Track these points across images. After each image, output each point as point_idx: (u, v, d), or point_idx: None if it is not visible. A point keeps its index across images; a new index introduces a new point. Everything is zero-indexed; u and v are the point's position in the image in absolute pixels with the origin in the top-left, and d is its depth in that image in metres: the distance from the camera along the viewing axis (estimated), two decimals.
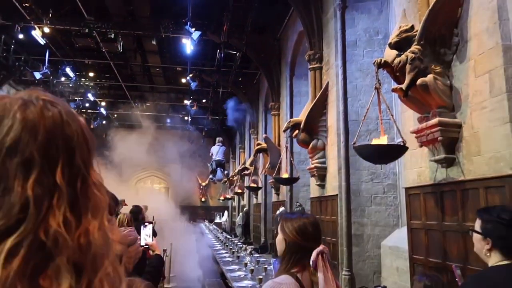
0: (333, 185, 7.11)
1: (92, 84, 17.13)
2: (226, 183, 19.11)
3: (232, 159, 22.82)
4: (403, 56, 4.03)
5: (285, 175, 9.49)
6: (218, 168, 14.32)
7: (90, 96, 17.36)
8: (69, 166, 0.56)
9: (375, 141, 4.22)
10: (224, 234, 13.89)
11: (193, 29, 10.01)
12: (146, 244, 2.84)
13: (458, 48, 3.93)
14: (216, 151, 14.30)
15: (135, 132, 21.32)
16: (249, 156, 16.11)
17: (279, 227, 1.80)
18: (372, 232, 6.64)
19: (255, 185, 13.44)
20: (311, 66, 8.18)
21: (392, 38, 4.21)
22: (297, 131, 7.77)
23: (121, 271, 0.60)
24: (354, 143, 4.35)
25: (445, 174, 4.00)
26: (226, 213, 22.36)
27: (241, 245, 9.10)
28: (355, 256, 6.55)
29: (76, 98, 17.75)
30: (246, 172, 15.00)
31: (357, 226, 6.64)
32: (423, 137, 4.04)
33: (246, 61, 14.00)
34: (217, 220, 22.39)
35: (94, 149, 0.62)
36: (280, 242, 1.77)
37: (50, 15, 11.15)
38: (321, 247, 1.67)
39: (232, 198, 21.42)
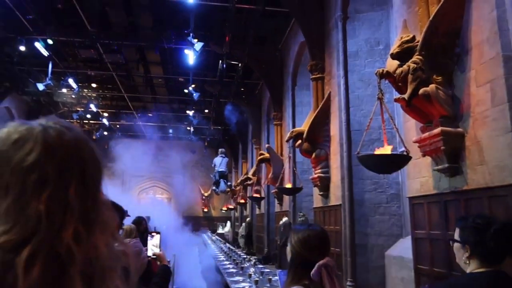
0: (337, 195, 7.10)
1: (94, 95, 17.22)
2: (229, 193, 19.08)
3: (234, 169, 22.80)
4: (405, 67, 4.06)
5: (288, 185, 9.49)
6: (221, 179, 14.31)
7: (93, 107, 17.43)
8: (81, 185, 0.62)
9: (378, 151, 4.24)
10: (227, 244, 13.82)
11: (196, 40, 10.10)
12: (154, 255, 2.83)
13: (460, 58, 3.96)
14: (219, 162, 14.31)
15: (137, 142, 21.41)
16: (252, 166, 16.12)
17: (289, 238, 1.80)
18: (376, 242, 6.61)
19: (257, 195, 13.43)
20: (313, 76, 8.23)
21: (394, 48, 4.25)
22: (300, 141, 7.79)
23: (130, 284, 0.65)
24: (358, 153, 4.36)
25: (448, 184, 4.00)
26: (228, 223, 22.27)
27: (244, 256, 9.06)
28: (359, 267, 6.52)
29: (78, 109, 17.85)
30: (248, 182, 14.99)
31: (361, 236, 6.62)
32: (426, 146, 4.05)
33: (248, 72, 14.08)
34: (220, 230, 22.28)
35: (103, 171, 0.68)
36: (288, 254, 1.78)
37: (53, 27, 11.27)
38: (324, 260, 1.64)
39: (234, 208, 21.36)
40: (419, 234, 4.47)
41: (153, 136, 22.15)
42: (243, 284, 5.87)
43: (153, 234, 3.07)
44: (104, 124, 20.23)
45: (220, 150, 15.50)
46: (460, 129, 3.86)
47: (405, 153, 4.18)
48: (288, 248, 1.79)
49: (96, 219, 0.64)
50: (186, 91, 14.24)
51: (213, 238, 18.32)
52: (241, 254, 10.19)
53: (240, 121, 18.13)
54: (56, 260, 0.57)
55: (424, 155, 4.19)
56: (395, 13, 5.52)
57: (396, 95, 4.44)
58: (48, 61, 12.90)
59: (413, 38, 4.18)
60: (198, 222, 24.01)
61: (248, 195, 16.04)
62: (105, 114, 19.25)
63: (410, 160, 4.18)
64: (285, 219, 9.78)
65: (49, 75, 13.07)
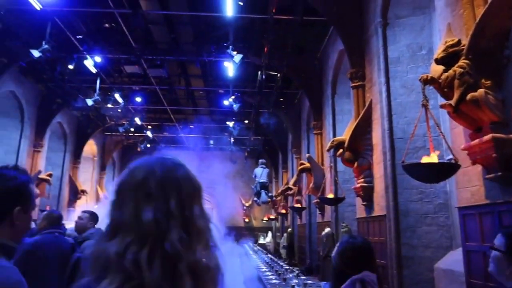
0: (381, 205, 6.90)
1: (139, 108, 17.85)
2: (270, 203, 19.05)
3: (274, 179, 22.77)
4: (450, 71, 3.92)
5: (330, 195, 9.35)
6: (262, 190, 14.31)
7: (137, 120, 18.07)
8: (178, 199, 0.82)
9: (425, 159, 4.09)
10: (269, 255, 13.76)
11: (235, 52, 10.26)
12: None
13: (510, 60, 3.76)
14: (260, 173, 14.33)
15: (180, 154, 21.81)
16: (292, 176, 16.03)
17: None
18: (424, 254, 6.34)
19: (299, 205, 13.32)
20: (353, 84, 8.11)
21: (438, 53, 4.11)
22: (341, 150, 7.67)
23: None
24: (403, 162, 4.23)
25: (502, 193, 3.79)
26: (270, 233, 22.20)
27: (287, 267, 8.97)
28: (406, 280, 6.27)
29: (124, 122, 18.56)
30: (289, 192, 14.91)
31: (407, 248, 6.37)
32: (476, 154, 3.86)
33: (287, 81, 14.12)
34: (261, 241, 22.24)
35: (198, 189, 0.89)
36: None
37: (101, 45, 11.86)
38: (360, 275, 1.58)
39: (275, 219, 21.28)
40: (471, 246, 4.25)
41: (195, 147, 22.59)
42: None
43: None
44: (148, 136, 20.88)
45: (260, 161, 15.54)
46: None
47: (453, 161, 4.01)
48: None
49: (194, 226, 0.82)
50: (226, 102, 14.46)
51: (255, 248, 18.30)
52: (283, 265, 10.10)
53: (280, 130, 18.14)
54: (168, 257, 0.76)
55: (474, 163, 4.00)
56: (438, 16, 5.34)
57: (441, 101, 4.28)
58: (96, 78, 13.57)
59: (459, 42, 4.03)
60: (239, 232, 24.09)
61: (289, 205, 15.94)
62: (149, 127, 19.88)
63: (459, 168, 4.00)
64: (327, 229, 9.63)
65: (97, 90, 13.72)
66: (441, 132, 4.41)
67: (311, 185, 11.11)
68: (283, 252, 15.58)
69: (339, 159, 8.32)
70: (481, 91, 3.73)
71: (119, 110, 16.85)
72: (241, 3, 9.15)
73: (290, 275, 7.36)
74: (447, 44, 4.05)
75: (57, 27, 10.54)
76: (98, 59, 11.87)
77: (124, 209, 0.80)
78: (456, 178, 4.51)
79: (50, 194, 15.35)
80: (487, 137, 3.70)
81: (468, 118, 3.97)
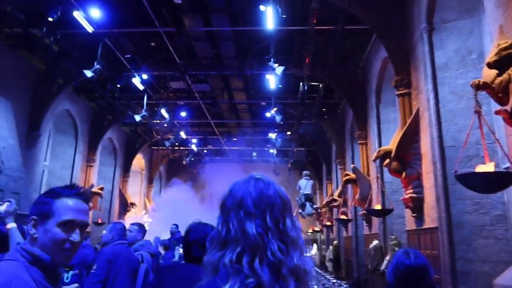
0: (432, 216, 6.61)
1: (183, 123, 18.34)
2: (314, 215, 18.78)
3: (319, 191, 22.46)
4: (505, 75, 3.73)
5: (377, 206, 9.09)
6: (307, 202, 14.14)
7: (182, 134, 18.55)
8: (272, 215, 0.99)
9: (480, 168, 3.88)
10: (315, 268, 13.53)
11: (276, 65, 10.32)
12: None
13: None
14: (304, 185, 14.18)
15: (224, 166, 22.19)
16: (337, 187, 15.74)
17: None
18: (481, 269, 5.97)
19: (344, 217, 13.06)
20: (399, 92, 7.90)
21: (491, 57, 3.92)
22: (388, 160, 7.45)
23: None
24: (455, 172, 4.04)
25: None
26: (315, 246, 21.85)
27: (334, 281, 8.78)
28: None
29: (170, 136, 19.11)
30: (334, 203, 14.65)
31: (462, 262, 6.04)
32: None
33: (329, 92, 13.98)
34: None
35: (288, 205, 1.04)
36: None
37: (148, 63, 12.36)
38: None
39: (320, 231, 20.93)
40: None
41: (239, 160, 22.83)
42: None
43: None
44: (192, 150, 21.35)
45: (304, 172, 15.40)
46: None
47: (510, 169, 3.78)
48: None
49: (288, 238, 0.98)
50: (268, 114, 14.53)
51: None
52: (330, 278, 9.89)
53: (323, 141, 17.93)
54: (273, 263, 0.93)
55: None
56: (488, 18, 5.11)
57: (495, 106, 4.07)
58: (143, 94, 14.13)
59: None
60: None
61: (334, 217, 15.64)
62: (194, 140, 20.37)
63: None
64: (375, 242, 9.34)
65: (145, 106, 14.26)
66: (496, 139, 4.18)
67: (357, 196, 10.85)
68: (329, 265, 15.26)
69: (385, 170, 8.09)
70: None
71: (165, 125, 17.40)
72: (284, 16, 9.22)
73: None
74: (500, 47, 3.86)
75: (107, 47, 11.12)
76: (145, 76, 12.36)
77: (229, 225, 0.98)
78: None
79: (102, 207, 16.04)
80: None
81: None
